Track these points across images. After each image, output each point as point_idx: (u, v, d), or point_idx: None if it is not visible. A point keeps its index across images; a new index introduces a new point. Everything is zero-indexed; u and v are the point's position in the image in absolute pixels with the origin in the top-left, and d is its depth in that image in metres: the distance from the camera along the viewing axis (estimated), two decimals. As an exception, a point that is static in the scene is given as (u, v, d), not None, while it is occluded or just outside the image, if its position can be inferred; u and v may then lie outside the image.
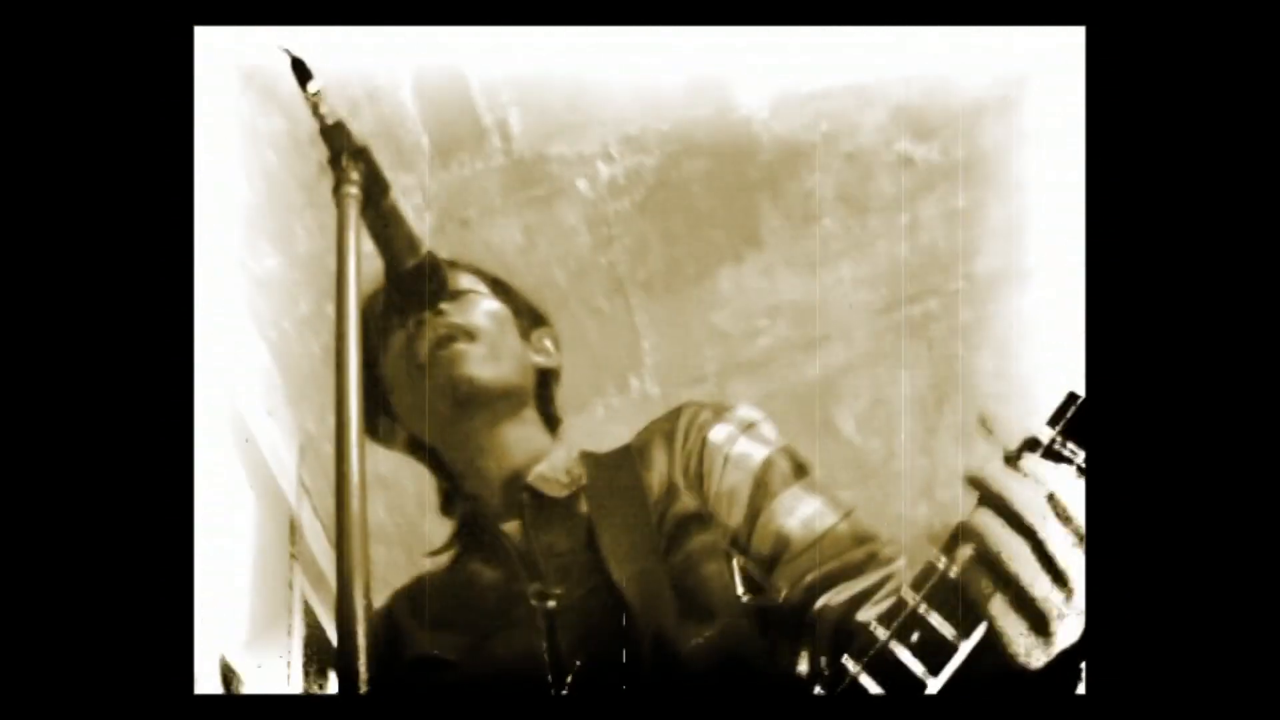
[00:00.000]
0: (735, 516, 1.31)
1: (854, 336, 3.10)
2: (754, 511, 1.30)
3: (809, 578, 1.22)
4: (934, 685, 0.86)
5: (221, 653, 2.27)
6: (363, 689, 0.90)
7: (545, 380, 1.56)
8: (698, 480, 1.35)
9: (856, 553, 1.23)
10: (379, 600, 1.42)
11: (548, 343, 1.58)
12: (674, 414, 1.44)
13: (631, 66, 2.56)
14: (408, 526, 3.05)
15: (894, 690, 0.86)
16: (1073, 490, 0.85)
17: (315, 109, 1.21)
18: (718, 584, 1.24)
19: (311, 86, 1.21)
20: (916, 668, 0.86)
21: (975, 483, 0.88)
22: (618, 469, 1.40)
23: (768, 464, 1.34)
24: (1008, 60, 2.61)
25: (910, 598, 0.88)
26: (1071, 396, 0.87)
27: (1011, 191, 2.90)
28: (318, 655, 2.48)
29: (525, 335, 1.53)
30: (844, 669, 0.89)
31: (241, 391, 2.58)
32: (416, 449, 1.55)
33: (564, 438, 1.53)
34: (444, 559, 1.47)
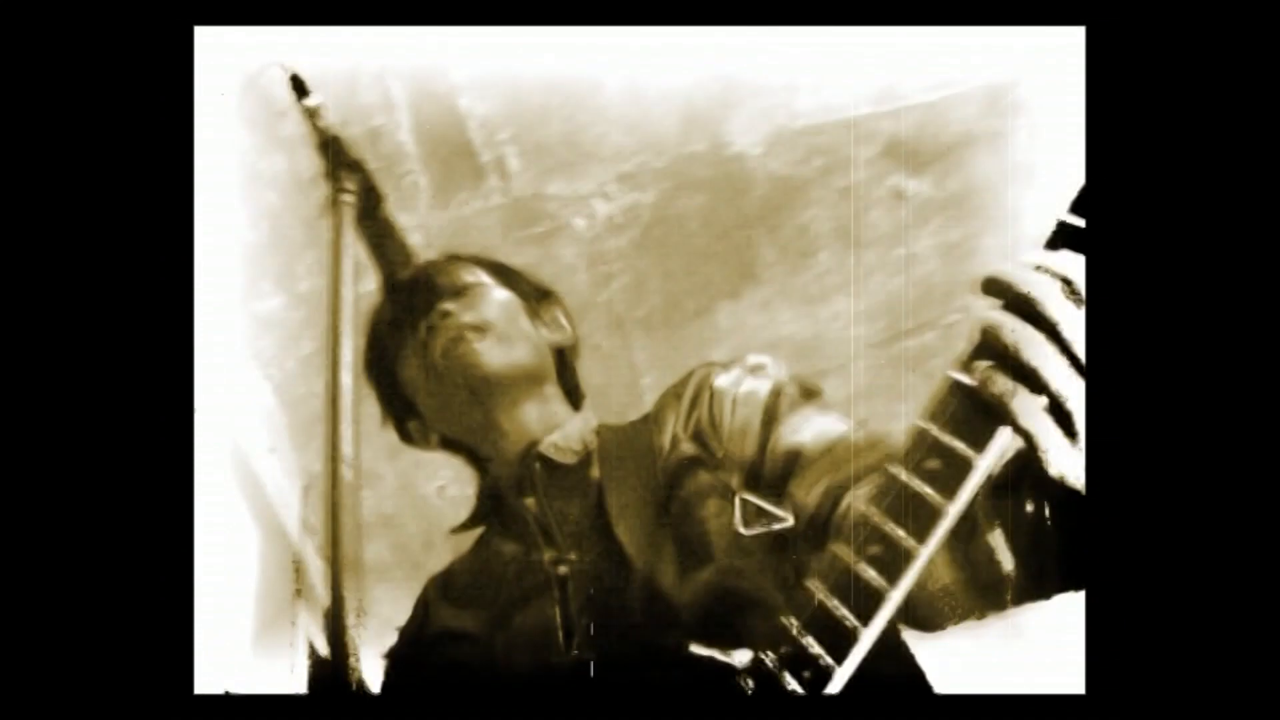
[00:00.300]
0: (749, 448, 1.31)
1: (853, 370, 3.12)
2: (765, 438, 1.31)
3: (824, 483, 1.21)
4: (924, 553, 0.85)
5: (225, 687, 2.27)
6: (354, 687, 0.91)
7: (563, 356, 1.58)
8: (712, 429, 1.35)
9: (871, 456, 1.21)
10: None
11: (559, 315, 1.59)
12: (686, 376, 1.45)
13: (627, 104, 2.60)
14: (411, 566, 3.05)
15: (886, 566, 0.86)
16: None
17: (313, 122, 1.25)
18: (715, 524, 1.24)
19: (309, 101, 1.25)
20: (905, 540, 0.86)
21: (991, 284, 0.85)
22: (632, 436, 1.42)
23: (775, 393, 1.35)
24: (1000, 77, 2.65)
25: (899, 472, 0.87)
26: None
27: (1005, 222, 2.93)
28: (321, 690, 2.48)
29: (536, 315, 1.54)
30: (836, 558, 0.89)
31: (244, 430, 2.61)
32: (449, 446, 1.57)
33: (582, 409, 1.54)
34: (470, 538, 1.49)
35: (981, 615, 1.01)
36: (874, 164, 2.82)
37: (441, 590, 1.44)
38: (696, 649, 1.06)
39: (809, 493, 1.23)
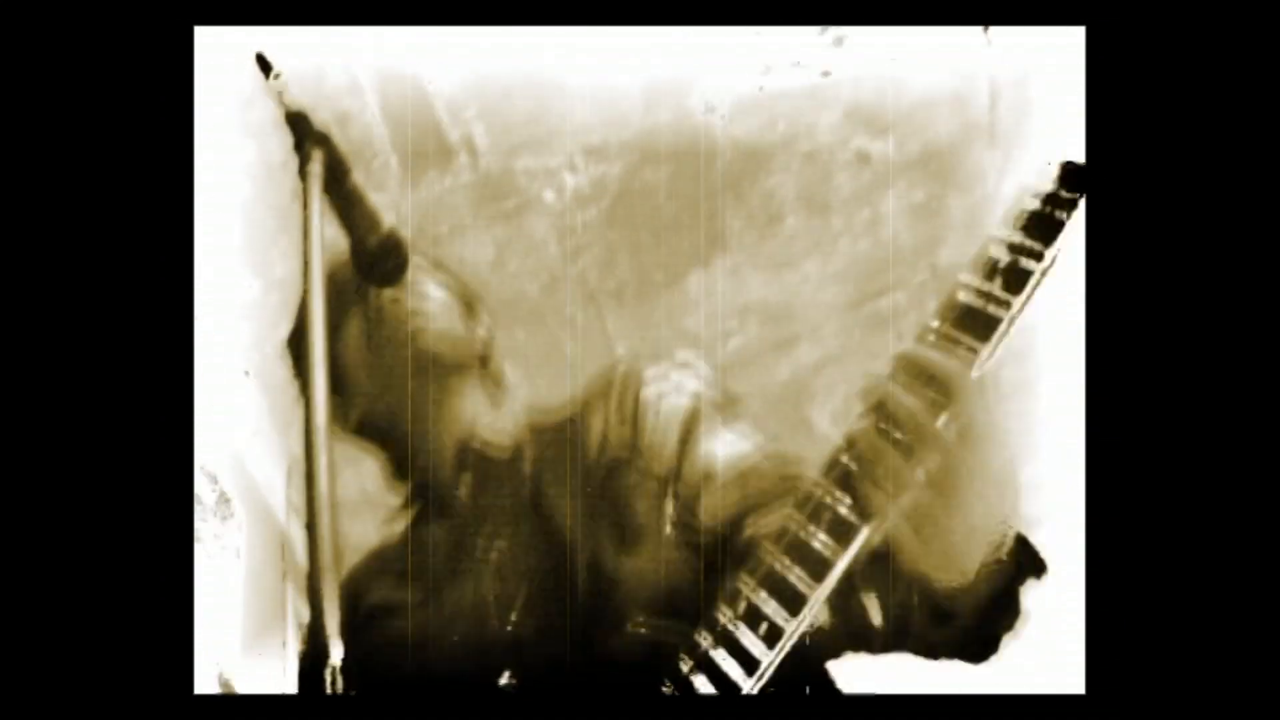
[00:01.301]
0: (666, 460, 1.40)
1: (823, 333, 3.16)
2: (681, 451, 1.40)
3: (732, 504, 1.31)
4: (817, 595, 0.93)
5: (219, 666, 2.31)
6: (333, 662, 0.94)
7: (486, 357, 1.64)
8: (633, 434, 1.44)
9: (777, 482, 1.32)
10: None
11: (485, 317, 1.66)
12: (608, 373, 1.54)
13: (590, 77, 2.63)
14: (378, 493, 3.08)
15: (782, 603, 0.93)
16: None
17: (279, 98, 1.28)
18: (646, 519, 1.34)
19: (274, 77, 1.27)
20: (800, 584, 0.94)
21: (901, 360, 0.94)
22: (561, 435, 1.50)
23: (694, 406, 1.45)
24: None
25: (795, 519, 0.96)
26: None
27: (970, 183, 2.97)
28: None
29: (469, 314, 1.60)
30: (739, 589, 0.97)
31: (229, 412, 2.64)
32: (364, 429, 1.60)
33: (507, 406, 1.60)
34: (400, 524, 1.55)
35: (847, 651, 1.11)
36: (836, 128, 2.85)
37: (369, 573, 1.50)
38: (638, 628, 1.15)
39: (714, 515, 1.33)
